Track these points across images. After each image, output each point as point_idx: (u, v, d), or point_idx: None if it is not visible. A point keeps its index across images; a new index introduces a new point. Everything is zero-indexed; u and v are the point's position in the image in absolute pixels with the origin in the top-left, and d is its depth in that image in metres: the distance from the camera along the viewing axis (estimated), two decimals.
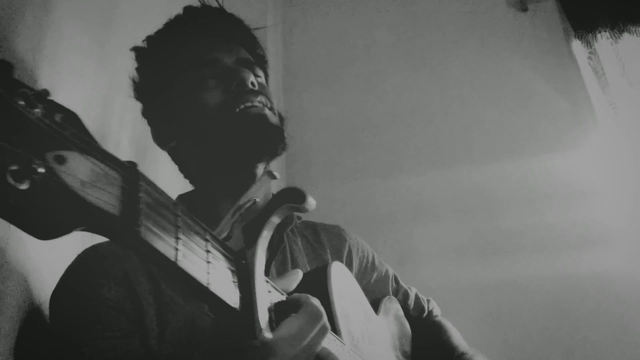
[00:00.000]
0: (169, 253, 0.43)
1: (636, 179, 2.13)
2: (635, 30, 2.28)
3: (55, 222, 0.34)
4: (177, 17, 1.03)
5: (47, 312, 0.88)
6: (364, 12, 2.79)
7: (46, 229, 0.34)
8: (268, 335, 0.54)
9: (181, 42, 0.99)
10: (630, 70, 2.28)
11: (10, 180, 0.31)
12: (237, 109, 0.91)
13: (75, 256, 0.86)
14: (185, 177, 1.04)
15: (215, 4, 1.07)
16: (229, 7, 2.10)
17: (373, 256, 1.17)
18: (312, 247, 1.06)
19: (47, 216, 0.34)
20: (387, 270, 1.19)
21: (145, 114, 1.04)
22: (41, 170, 0.33)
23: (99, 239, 0.88)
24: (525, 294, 2.06)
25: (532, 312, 2.04)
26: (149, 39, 1.03)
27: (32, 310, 0.86)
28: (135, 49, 1.04)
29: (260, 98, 0.94)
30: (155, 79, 1.01)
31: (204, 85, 0.94)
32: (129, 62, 1.38)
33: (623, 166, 2.17)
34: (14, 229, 0.81)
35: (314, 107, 2.61)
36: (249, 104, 0.92)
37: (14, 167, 0.32)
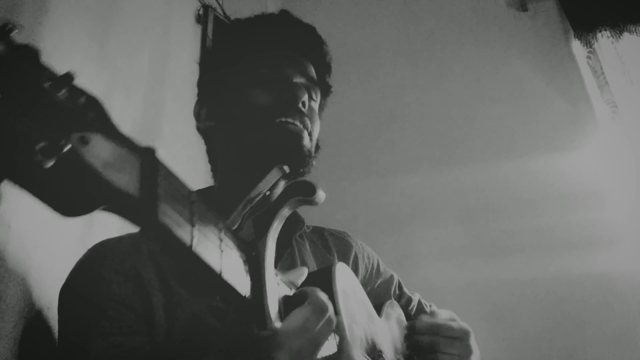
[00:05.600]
0: (185, 238, 0.44)
1: (636, 179, 2.13)
2: (635, 30, 2.28)
3: (78, 201, 0.35)
4: (271, 15, 1.07)
5: (47, 313, 0.87)
6: (363, 12, 2.78)
7: (70, 207, 0.35)
8: (278, 324, 0.54)
9: (259, 39, 1.02)
10: (631, 70, 2.28)
11: (38, 157, 0.32)
12: (278, 120, 0.92)
13: (74, 255, 0.85)
14: (210, 162, 1.06)
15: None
16: (228, 4, 2.10)
17: (378, 262, 1.17)
18: (320, 252, 1.06)
19: (71, 194, 0.35)
20: (391, 276, 1.19)
21: (199, 83, 1.07)
22: (66, 148, 0.34)
23: (100, 237, 0.88)
24: (525, 294, 2.06)
25: (532, 312, 2.03)
26: (236, 20, 1.08)
27: (32, 312, 0.85)
28: (225, 23, 1.09)
29: (304, 120, 0.95)
30: (221, 58, 1.04)
31: (259, 85, 0.96)
32: (129, 62, 1.38)
33: (623, 166, 2.17)
34: (13, 231, 0.81)
35: None
36: (290, 120, 0.93)
37: (42, 145, 0.33)
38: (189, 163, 1.43)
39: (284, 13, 1.07)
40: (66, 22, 1.05)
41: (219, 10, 2.08)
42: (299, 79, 0.99)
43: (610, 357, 1.90)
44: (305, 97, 0.95)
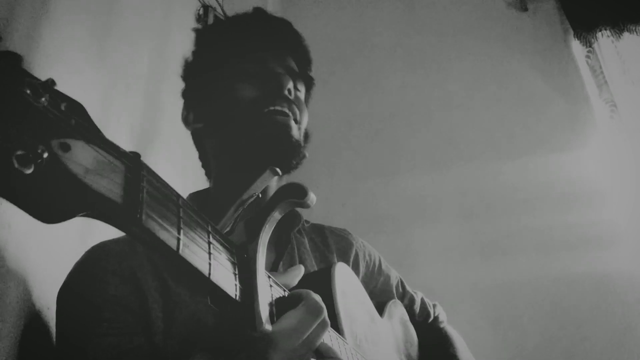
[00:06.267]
0: (171, 242, 0.44)
1: (636, 179, 2.13)
2: (635, 29, 2.28)
3: (58, 207, 0.35)
4: (245, 15, 1.06)
5: (47, 313, 0.87)
6: (363, 12, 2.78)
7: (49, 213, 0.35)
8: (268, 327, 0.54)
9: (238, 38, 1.02)
10: (631, 69, 2.28)
11: (16, 165, 0.32)
12: (266, 109, 0.92)
13: (74, 256, 0.86)
14: (203, 166, 1.05)
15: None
16: (228, 4, 2.10)
17: (380, 260, 1.17)
18: (319, 250, 1.06)
19: (50, 200, 0.35)
20: (393, 275, 1.18)
21: (184, 94, 1.07)
22: (45, 155, 0.34)
23: (100, 237, 0.88)
24: (526, 294, 2.06)
25: (532, 313, 2.04)
26: (212, 25, 1.09)
27: (32, 312, 0.85)
28: (196, 30, 1.08)
29: (292, 107, 0.95)
30: (202, 62, 1.05)
31: (244, 79, 0.96)
32: (129, 60, 1.37)
33: (623, 165, 2.17)
34: (13, 230, 0.81)
35: (313, 107, 2.61)
36: (278, 108, 0.93)
37: (20, 152, 0.33)
38: (189, 163, 1.43)
39: (258, 11, 1.07)
40: (66, 22, 1.04)
41: (219, 10, 2.08)
42: (282, 71, 1.00)
43: (610, 357, 1.90)
44: (291, 85, 0.95)
